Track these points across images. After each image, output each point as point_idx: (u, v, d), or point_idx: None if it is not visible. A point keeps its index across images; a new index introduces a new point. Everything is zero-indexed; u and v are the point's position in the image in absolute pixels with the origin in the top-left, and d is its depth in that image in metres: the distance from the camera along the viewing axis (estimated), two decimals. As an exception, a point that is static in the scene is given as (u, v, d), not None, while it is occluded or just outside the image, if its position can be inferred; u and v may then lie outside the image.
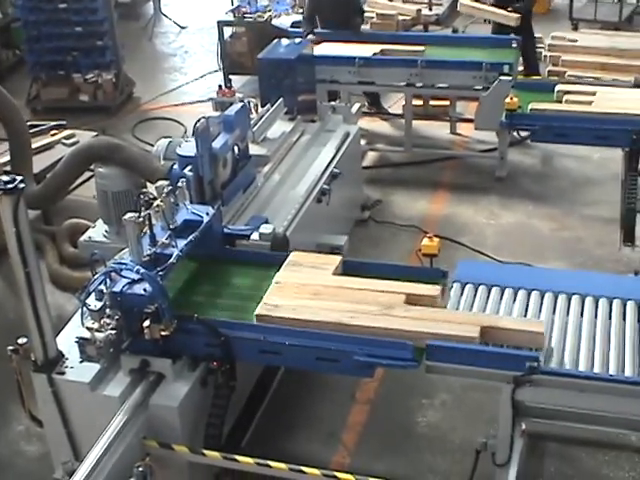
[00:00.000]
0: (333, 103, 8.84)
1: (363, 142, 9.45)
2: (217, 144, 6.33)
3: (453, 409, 6.28)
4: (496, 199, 8.98)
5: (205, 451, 5.03)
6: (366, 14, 11.11)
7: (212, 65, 12.63)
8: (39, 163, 8.49)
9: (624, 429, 5.64)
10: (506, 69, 8.86)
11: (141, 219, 5.23)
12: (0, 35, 13.16)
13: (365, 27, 11.12)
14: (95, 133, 9.16)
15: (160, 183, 5.70)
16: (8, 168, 7.95)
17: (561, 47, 11.03)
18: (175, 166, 6.22)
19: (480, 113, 9.01)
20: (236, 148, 6.63)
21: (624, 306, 5.26)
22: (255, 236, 5.99)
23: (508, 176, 9.32)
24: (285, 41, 8.37)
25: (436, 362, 4.87)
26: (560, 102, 8.04)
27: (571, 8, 13.35)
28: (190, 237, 5.43)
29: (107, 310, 5.02)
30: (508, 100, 7.90)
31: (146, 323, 4.94)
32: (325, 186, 7.21)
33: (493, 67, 8.87)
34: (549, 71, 10.90)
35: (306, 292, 5.25)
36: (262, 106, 7.79)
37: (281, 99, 7.79)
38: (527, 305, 5.29)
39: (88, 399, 5.05)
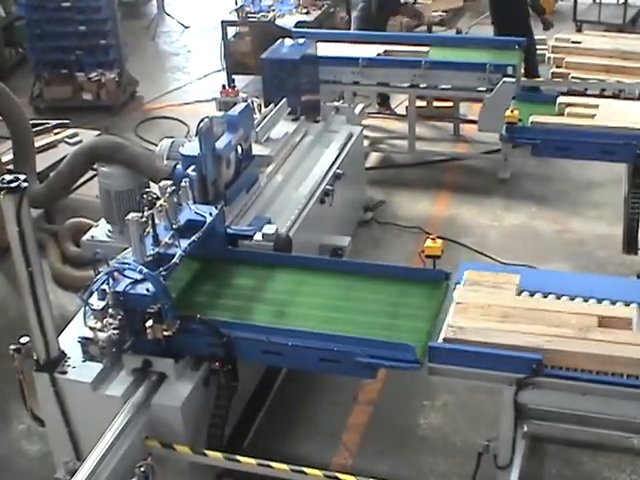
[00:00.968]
0: (336, 104, 8.85)
1: (366, 143, 9.45)
2: (220, 144, 6.33)
3: (455, 411, 6.27)
4: (499, 201, 8.98)
5: (207, 451, 5.04)
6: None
7: (215, 65, 12.63)
8: (42, 162, 8.51)
9: (626, 432, 5.64)
10: (510, 71, 8.85)
11: (144, 219, 5.24)
12: (3, 33, 13.14)
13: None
14: (98, 132, 9.16)
15: (163, 183, 5.69)
16: (11, 167, 7.96)
17: (565, 49, 11.01)
18: (178, 166, 6.23)
19: (483, 115, 8.99)
20: (239, 148, 6.63)
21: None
22: (258, 236, 5.99)
23: (511, 178, 9.31)
24: (289, 41, 8.36)
25: (438, 364, 4.87)
26: (562, 115, 7.73)
27: (575, 10, 13.32)
28: (193, 237, 5.44)
29: (110, 310, 5.03)
30: (508, 113, 7.64)
31: (149, 323, 4.94)
32: (328, 187, 7.21)
33: (497, 69, 8.84)
34: (553, 73, 10.87)
35: (493, 314, 5.05)
36: (265, 106, 7.78)
37: (284, 99, 7.78)
38: (530, 307, 5.26)
39: (90, 399, 5.06)
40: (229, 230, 6.03)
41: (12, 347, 5.10)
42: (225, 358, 5.11)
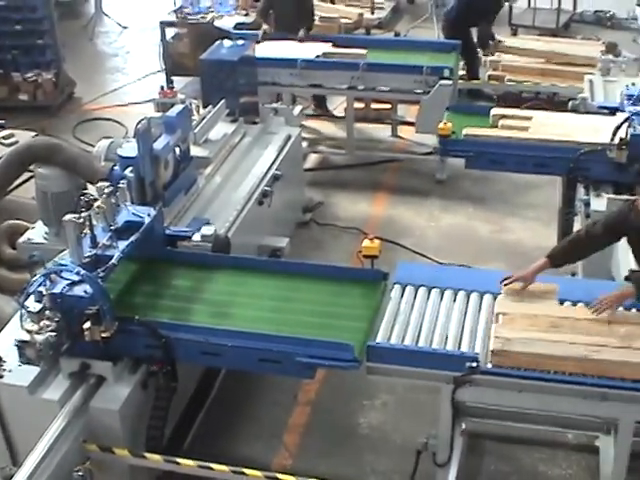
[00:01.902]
0: (275, 105, 8.86)
1: (305, 144, 9.47)
2: (158, 145, 6.30)
3: (395, 410, 6.32)
4: (437, 201, 9.07)
5: (146, 454, 5.01)
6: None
7: (154, 66, 12.53)
8: (-23, 163, 8.36)
9: (561, 427, 5.76)
10: (446, 73, 8.95)
11: (81, 220, 5.19)
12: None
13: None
14: (35, 133, 9.03)
15: (101, 184, 5.65)
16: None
17: (501, 52, 11.24)
18: (116, 167, 6.19)
19: (421, 116, 9.08)
20: (177, 149, 6.60)
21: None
22: (197, 237, 5.99)
23: (448, 179, 9.39)
24: (227, 42, 8.34)
25: (377, 363, 4.92)
26: (496, 127, 7.60)
27: (510, 14, 13.51)
28: (131, 238, 5.42)
29: (47, 312, 4.97)
30: (441, 125, 7.52)
31: (86, 325, 4.90)
32: (267, 188, 7.21)
33: (433, 71, 8.93)
34: (489, 75, 11.04)
35: (541, 324, 5.05)
36: (204, 107, 7.76)
37: (223, 101, 7.78)
38: (467, 306, 5.35)
39: (27, 403, 5.00)
40: (168, 231, 6.01)
41: (-54, 351, 5.03)
42: (164, 359, 5.09)
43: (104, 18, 15.19)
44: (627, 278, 5.49)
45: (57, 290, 4.98)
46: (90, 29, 14.70)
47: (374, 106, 10.64)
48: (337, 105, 10.92)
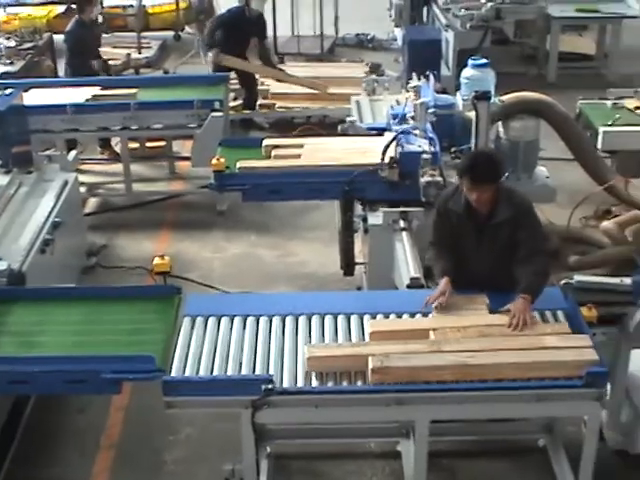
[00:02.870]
0: (48, 152, 8.73)
1: (83, 189, 9.37)
2: None
3: (199, 442, 6.33)
4: (220, 233, 9.19)
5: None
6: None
7: None
8: None
9: (364, 437, 5.98)
10: (217, 105, 9.11)
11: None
12: None
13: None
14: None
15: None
16: None
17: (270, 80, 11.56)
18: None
19: (195, 150, 9.20)
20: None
21: (348, 320, 5.52)
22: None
23: (229, 209, 9.50)
24: (-7, 93, 8.19)
25: (174, 397, 4.95)
26: (269, 157, 7.63)
27: (275, 43, 13.87)
28: None
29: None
30: (214, 161, 7.43)
31: None
32: (47, 236, 7.10)
33: (204, 104, 9.08)
34: (260, 105, 11.31)
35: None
36: (-25, 160, 7.57)
37: (-6, 152, 7.62)
38: (257, 330, 5.44)
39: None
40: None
41: None
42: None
43: None
44: (409, 286, 5.83)
45: None
46: None
47: (149, 144, 10.66)
48: (115, 144, 10.83)
